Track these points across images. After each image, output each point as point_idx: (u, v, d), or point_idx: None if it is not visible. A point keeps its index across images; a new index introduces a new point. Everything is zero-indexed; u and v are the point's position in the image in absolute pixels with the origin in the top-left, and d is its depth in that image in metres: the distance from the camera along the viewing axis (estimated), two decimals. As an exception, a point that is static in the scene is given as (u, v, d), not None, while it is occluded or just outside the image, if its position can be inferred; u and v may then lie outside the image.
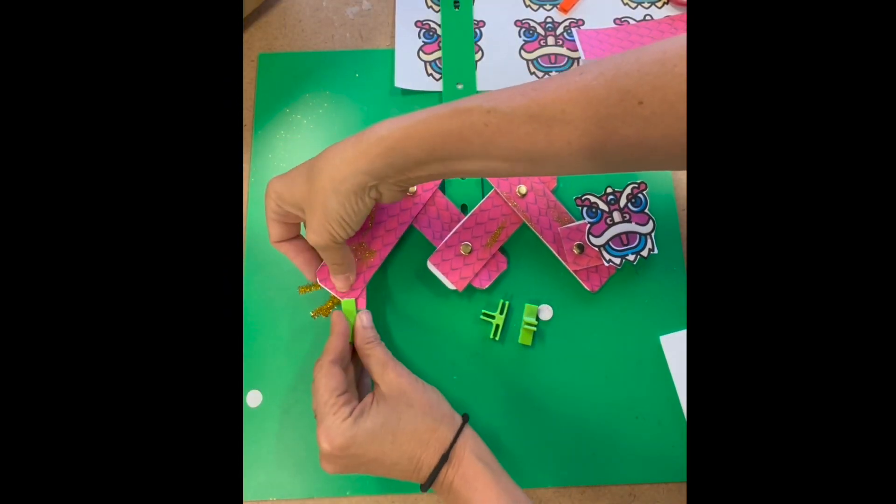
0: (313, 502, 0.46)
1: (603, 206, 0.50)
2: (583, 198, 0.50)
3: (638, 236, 0.49)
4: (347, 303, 0.46)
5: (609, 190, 0.51)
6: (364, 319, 0.45)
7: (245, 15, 0.59)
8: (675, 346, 0.49)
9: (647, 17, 0.60)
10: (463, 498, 0.39)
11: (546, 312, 0.49)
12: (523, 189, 0.50)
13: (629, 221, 0.50)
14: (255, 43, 0.59)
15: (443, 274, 0.48)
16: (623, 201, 0.50)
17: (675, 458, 0.46)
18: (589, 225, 0.49)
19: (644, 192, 0.50)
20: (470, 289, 0.50)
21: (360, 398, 0.42)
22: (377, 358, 0.43)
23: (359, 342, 0.44)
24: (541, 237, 0.50)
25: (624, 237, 0.49)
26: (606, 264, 0.49)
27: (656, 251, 0.49)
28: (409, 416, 0.40)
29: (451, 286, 0.49)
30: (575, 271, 0.49)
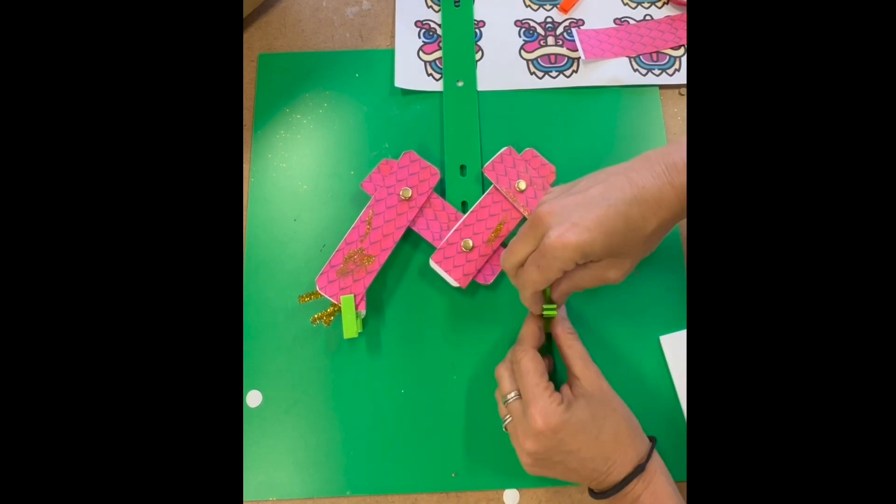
0: (313, 502, 0.46)
1: None
2: None
3: None
4: (347, 299, 0.46)
5: None
6: (562, 312, 0.45)
7: (245, 15, 0.59)
8: (675, 346, 0.49)
9: (647, 17, 0.60)
10: None
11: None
12: (522, 184, 0.50)
13: None
14: (255, 43, 0.59)
15: (445, 271, 0.49)
16: None
17: (675, 458, 0.46)
18: None
19: None
20: (470, 288, 0.50)
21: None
22: (578, 351, 0.43)
23: (560, 332, 0.44)
24: None
25: None
26: None
27: None
28: (614, 419, 0.41)
29: (454, 283, 0.49)
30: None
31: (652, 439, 0.43)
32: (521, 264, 0.41)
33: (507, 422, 0.43)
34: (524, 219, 0.51)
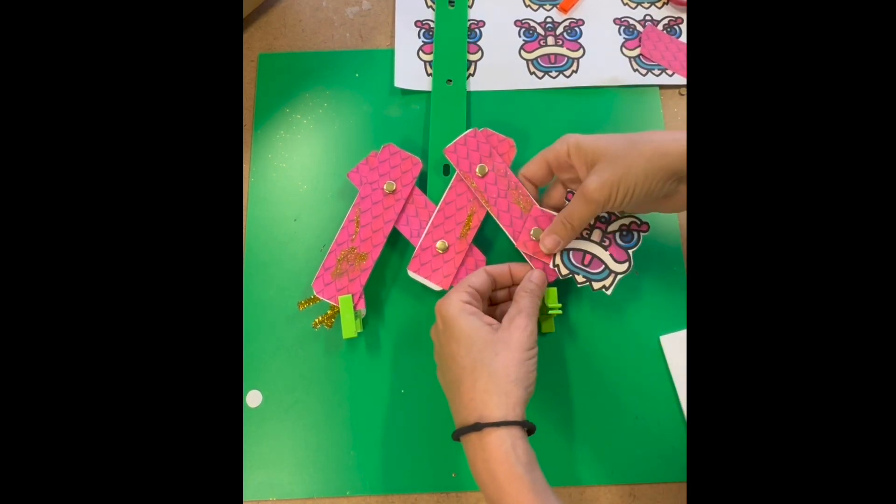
0: (313, 502, 0.46)
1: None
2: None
3: (603, 267, 0.46)
4: (345, 300, 0.46)
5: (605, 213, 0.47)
6: (535, 275, 0.45)
7: (245, 15, 0.59)
8: (675, 346, 0.49)
9: (647, 17, 0.60)
10: (479, 470, 0.37)
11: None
12: (485, 168, 0.49)
13: (605, 249, 0.46)
14: (255, 43, 0.59)
15: (425, 278, 0.48)
16: (614, 227, 0.46)
17: (675, 458, 0.46)
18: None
19: (642, 234, 0.46)
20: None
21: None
22: (523, 306, 0.42)
23: (521, 286, 0.44)
24: (497, 220, 0.48)
25: (588, 257, 0.46)
26: (552, 267, 0.46)
27: (610, 293, 0.45)
28: (505, 360, 0.38)
29: (436, 287, 0.48)
30: (525, 253, 0.47)
31: (530, 427, 0.39)
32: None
33: None
34: (487, 213, 0.49)
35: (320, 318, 0.48)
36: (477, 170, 0.49)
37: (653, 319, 0.50)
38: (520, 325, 0.40)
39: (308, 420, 0.47)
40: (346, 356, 0.49)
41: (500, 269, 0.46)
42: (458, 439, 0.39)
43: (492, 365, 0.38)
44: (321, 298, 0.47)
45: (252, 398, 0.48)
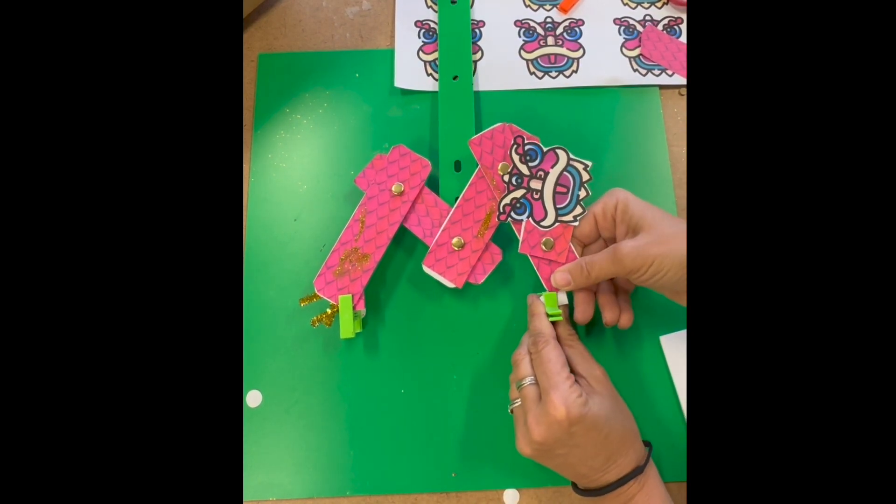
0: (313, 502, 0.46)
1: (518, 193, 0.47)
2: (501, 206, 0.48)
3: (568, 176, 0.47)
4: (344, 299, 0.46)
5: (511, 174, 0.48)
6: (566, 313, 0.47)
7: (245, 15, 0.59)
8: (675, 346, 0.49)
9: (647, 18, 0.60)
10: None
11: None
12: (507, 167, 0.48)
13: (545, 176, 0.47)
14: (255, 43, 0.59)
15: (439, 274, 0.48)
16: (523, 168, 0.47)
17: (675, 458, 0.46)
18: (530, 220, 0.47)
19: (531, 144, 0.47)
20: (470, 288, 0.50)
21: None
22: (581, 351, 0.45)
23: (562, 332, 0.45)
24: (511, 222, 0.48)
25: (560, 189, 0.47)
26: (576, 223, 0.47)
27: (590, 176, 0.47)
28: (621, 420, 0.41)
29: (450, 285, 0.48)
30: (531, 256, 0.47)
31: (647, 443, 0.44)
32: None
33: (514, 405, 0.43)
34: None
35: (319, 315, 0.48)
36: (500, 167, 0.48)
37: (653, 319, 0.50)
38: (600, 374, 0.44)
39: (308, 420, 0.47)
40: (346, 356, 0.49)
41: (548, 323, 0.45)
42: (607, 491, 0.41)
43: (631, 423, 0.43)
44: (321, 296, 0.47)
45: (252, 398, 0.48)
